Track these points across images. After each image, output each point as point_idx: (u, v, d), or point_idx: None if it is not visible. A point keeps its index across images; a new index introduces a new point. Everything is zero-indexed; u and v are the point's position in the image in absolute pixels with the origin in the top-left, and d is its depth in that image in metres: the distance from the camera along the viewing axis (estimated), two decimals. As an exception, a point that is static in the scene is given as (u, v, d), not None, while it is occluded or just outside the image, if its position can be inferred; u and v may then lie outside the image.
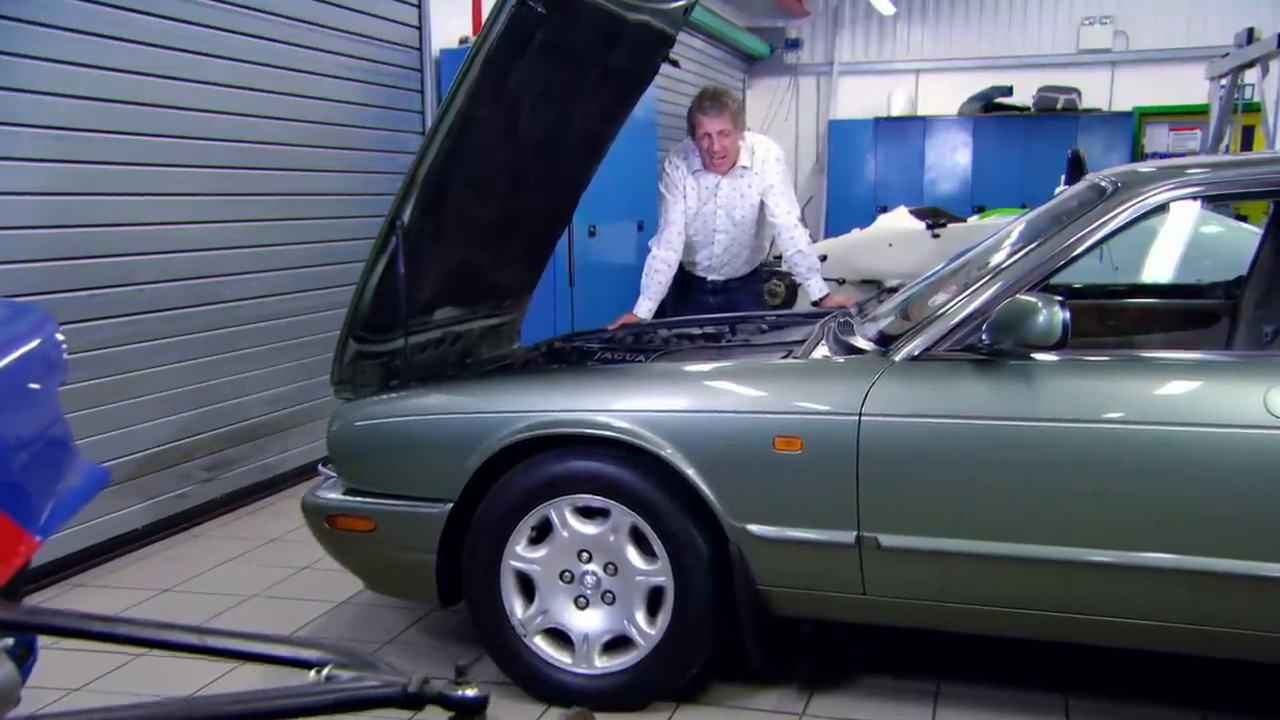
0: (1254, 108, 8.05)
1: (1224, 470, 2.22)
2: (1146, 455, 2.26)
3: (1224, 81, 7.77)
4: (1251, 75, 7.56)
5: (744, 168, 4.30)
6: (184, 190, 3.96)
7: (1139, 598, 2.33)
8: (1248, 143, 8.65)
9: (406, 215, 2.71)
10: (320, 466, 2.92)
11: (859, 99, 11.92)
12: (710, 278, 4.50)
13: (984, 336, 2.37)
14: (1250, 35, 7.28)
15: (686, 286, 4.56)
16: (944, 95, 11.47)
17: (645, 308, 4.26)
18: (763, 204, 4.32)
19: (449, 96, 2.60)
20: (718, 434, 2.50)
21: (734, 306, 4.35)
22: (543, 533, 2.64)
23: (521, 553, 2.64)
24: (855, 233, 7.91)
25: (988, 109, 11.06)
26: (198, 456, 4.10)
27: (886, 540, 2.41)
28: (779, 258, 4.81)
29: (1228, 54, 7.70)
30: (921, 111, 11.65)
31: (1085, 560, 2.30)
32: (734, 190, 4.32)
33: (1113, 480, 2.28)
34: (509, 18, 2.55)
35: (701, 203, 4.33)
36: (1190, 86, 9.60)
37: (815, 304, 4.31)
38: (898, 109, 11.65)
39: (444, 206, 2.83)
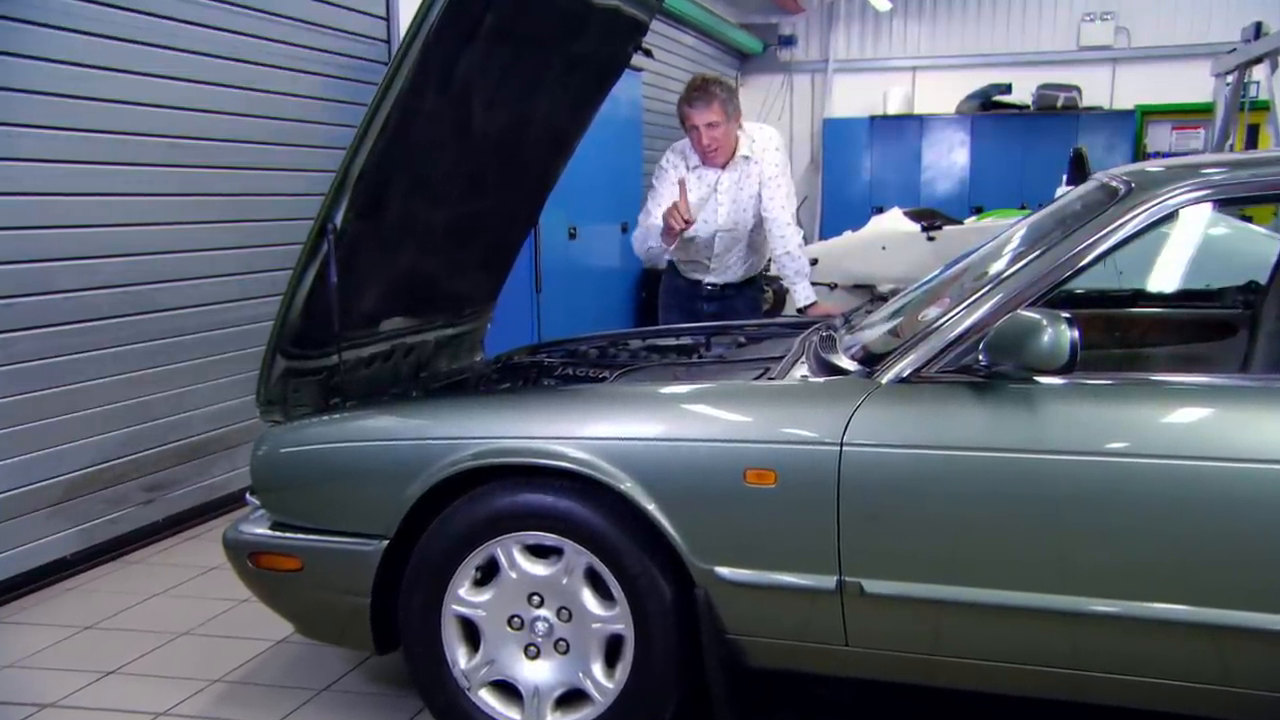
0: (1261, 105, 7.79)
1: (1253, 510, 1.95)
2: (1164, 493, 1.98)
3: (1230, 78, 7.52)
4: (1258, 72, 7.31)
5: (745, 157, 3.99)
6: (117, 190, 3.68)
7: (1156, 654, 2.06)
8: (1252, 142, 8.41)
9: (339, 218, 2.44)
10: (247, 496, 2.65)
11: (854, 97, 11.71)
12: (706, 280, 4.19)
13: (980, 357, 2.09)
14: (1258, 30, 7.03)
15: (679, 292, 4.28)
16: (941, 93, 11.27)
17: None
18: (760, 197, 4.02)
19: (382, 88, 2.34)
20: (682, 465, 2.22)
21: (731, 315, 4.05)
22: (489, 574, 2.37)
23: (465, 596, 2.37)
24: (847, 235, 7.65)
25: (986, 107, 10.86)
26: (134, 477, 3.83)
27: (871, 586, 2.14)
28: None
29: (1234, 49, 7.46)
30: (918, 110, 11.44)
31: (1095, 611, 2.03)
32: (735, 184, 4.01)
33: (1125, 521, 2.00)
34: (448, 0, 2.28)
35: (703, 200, 4.03)
36: (1193, 84, 9.40)
37: (800, 312, 4.03)
38: (894, 107, 11.43)
39: (385, 208, 2.57)
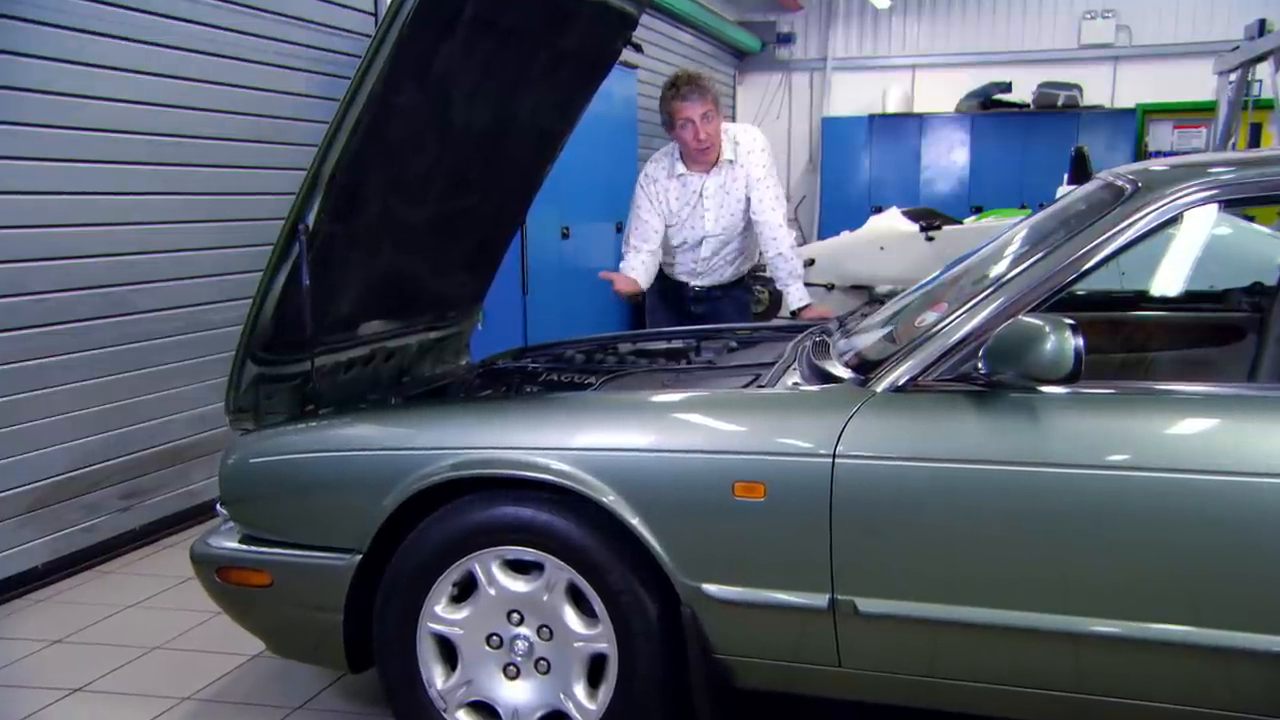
0: (1266, 105, 7.70)
1: (1263, 527, 1.85)
2: (1171, 508, 1.88)
3: (1232, 76, 7.43)
4: (1261, 70, 7.21)
5: (729, 161, 3.93)
6: (94, 189, 3.57)
7: (1161, 677, 1.96)
8: (1255, 140, 8.32)
9: (311, 218, 2.34)
10: (217, 507, 2.54)
11: (853, 96, 11.63)
12: (694, 283, 4.13)
13: (980, 365, 1.99)
14: (1261, 27, 6.93)
15: (667, 294, 4.20)
16: (941, 91, 11.19)
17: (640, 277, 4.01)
18: (748, 200, 3.95)
19: (355, 81, 2.24)
20: (668, 478, 2.13)
21: (718, 317, 3.99)
22: (466, 590, 2.28)
23: (441, 613, 2.28)
24: (844, 235, 7.57)
25: (986, 106, 10.79)
26: (111, 484, 3.72)
27: (865, 605, 2.04)
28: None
29: (1236, 47, 7.36)
30: (918, 108, 11.36)
31: (1097, 632, 1.94)
32: (720, 188, 3.95)
33: (1130, 538, 1.90)
34: None
35: (689, 207, 3.95)
36: (1195, 83, 9.32)
37: (794, 315, 3.94)
38: (893, 106, 11.36)
39: (361, 207, 2.48)
